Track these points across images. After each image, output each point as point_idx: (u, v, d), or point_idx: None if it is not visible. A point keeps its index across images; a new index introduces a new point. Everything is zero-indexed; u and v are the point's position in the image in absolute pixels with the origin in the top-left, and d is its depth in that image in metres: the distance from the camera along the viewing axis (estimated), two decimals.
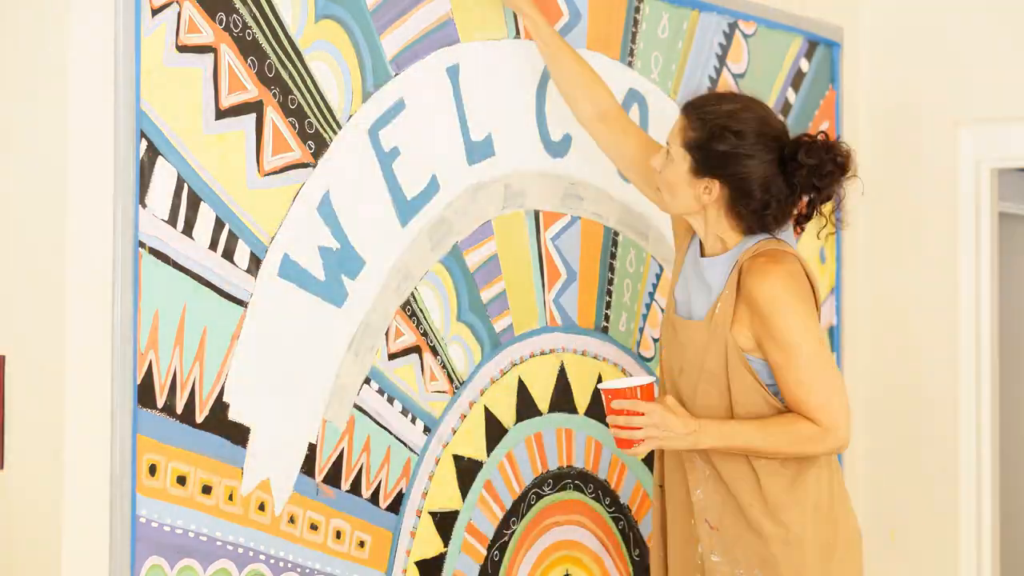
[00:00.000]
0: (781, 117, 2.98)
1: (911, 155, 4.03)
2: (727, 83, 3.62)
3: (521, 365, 3.15)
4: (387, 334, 2.89)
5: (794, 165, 2.77)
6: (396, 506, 2.90)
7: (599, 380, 3.30)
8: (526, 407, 3.16)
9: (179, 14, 2.54)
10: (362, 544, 2.85)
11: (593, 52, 3.28)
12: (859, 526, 2.91)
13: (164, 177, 2.53)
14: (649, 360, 3.43)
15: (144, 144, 2.50)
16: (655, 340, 3.44)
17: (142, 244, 2.50)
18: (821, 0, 3.94)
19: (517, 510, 3.14)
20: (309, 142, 2.74)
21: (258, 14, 2.65)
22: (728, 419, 2.79)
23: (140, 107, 2.49)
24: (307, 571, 2.75)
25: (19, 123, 2.52)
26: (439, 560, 2.98)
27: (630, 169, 3.09)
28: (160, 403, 2.52)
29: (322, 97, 2.76)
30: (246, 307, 2.64)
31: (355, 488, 2.83)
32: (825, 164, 2.78)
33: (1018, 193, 4.74)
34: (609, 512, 3.34)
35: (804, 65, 3.87)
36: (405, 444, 2.92)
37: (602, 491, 3.32)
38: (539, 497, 3.19)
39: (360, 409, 2.84)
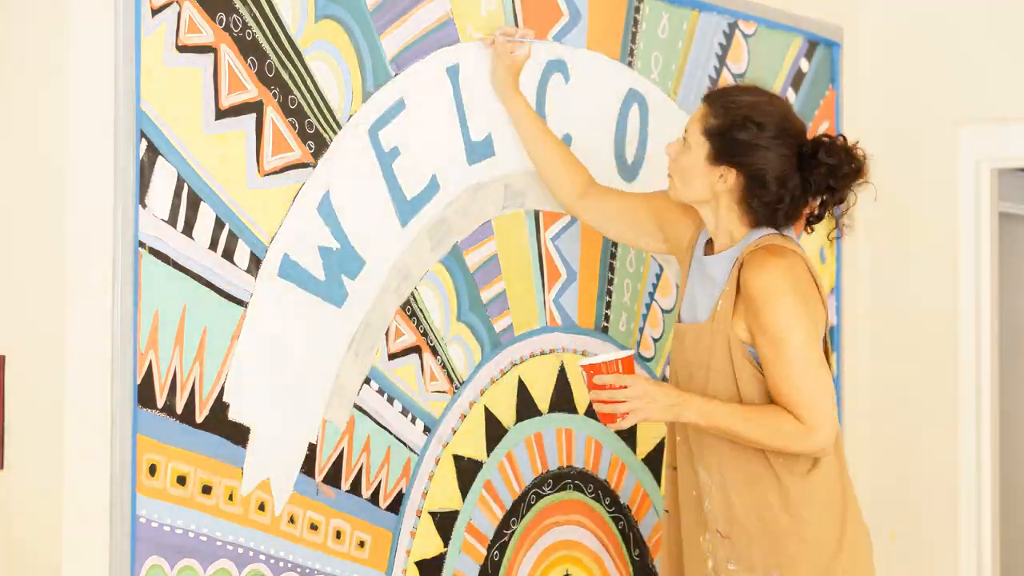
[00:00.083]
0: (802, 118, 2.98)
1: (911, 155, 4.03)
2: (727, 83, 3.62)
3: (521, 365, 3.15)
4: (387, 334, 2.89)
5: (813, 163, 2.78)
6: (396, 506, 2.90)
7: None
8: (526, 407, 3.16)
9: (179, 14, 2.54)
10: (362, 544, 2.85)
11: (593, 52, 3.28)
12: (867, 527, 2.91)
13: (164, 177, 2.53)
14: (649, 360, 3.43)
15: (144, 144, 2.50)
16: (655, 340, 3.44)
17: (142, 244, 2.50)
18: (821, 0, 3.94)
19: (517, 510, 3.14)
20: (309, 142, 2.74)
21: (258, 14, 2.65)
22: (713, 399, 2.78)
23: (140, 107, 2.49)
24: (307, 571, 2.75)
25: (19, 123, 2.52)
26: (439, 560, 2.98)
27: (620, 224, 3.09)
28: (160, 403, 2.52)
29: (322, 97, 2.76)
30: (246, 307, 2.64)
31: (355, 488, 2.83)
32: (843, 165, 2.79)
33: (1018, 193, 4.74)
34: (609, 512, 3.34)
35: (804, 65, 3.87)
36: (405, 444, 2.92)
37: (602, 491, 3.32)
38: (539, 497, 3.19)
39: (360, 409, 2.84)
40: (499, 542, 3.10)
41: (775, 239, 2.80)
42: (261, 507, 2.67)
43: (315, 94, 2.75)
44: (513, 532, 3.13)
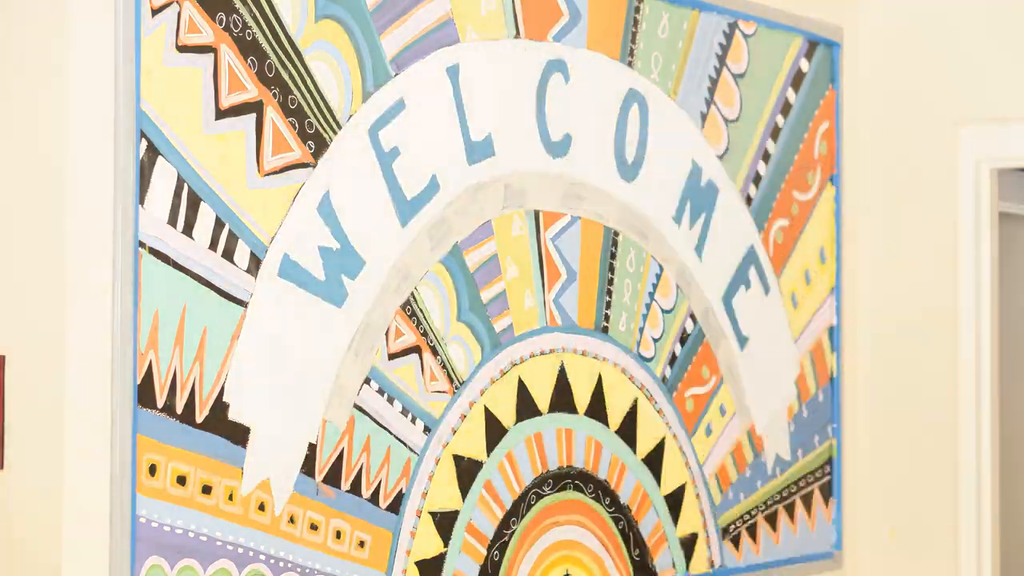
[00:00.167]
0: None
1: (911, 155, 4.03)
2: (727, 83, 3.62)
3: (521, 365, 3.15)
4: (387, 334, 2.89)
5: None
6: (396, 506, 2.90)
7: (599, 380, 3.31)
8: (526, 407, 3.16)
9: (179, 14, 2.54)
10: (362, 544, 2.85)
11: (593, 52, 3.29)
12: None
13: (164, 177, 2.53)
14: (649, 360, 3.43)
15: (144, 144, 2.50)
16: (655, 340, 3.44)
17: (142, 244, 2.50)
18: (821, 0, 3.94)
19: (517, 510, 3.14)
20: (309, 142, 2.74)
21: (258, 14, 2.65)
22: None
23: (140, 107, 2.49)
24: (307, 571, 2.75)
25: (19, 123, 2.52)
26: (439, 560, 2.98)
27: None
28: (160, 403, 2.52)
29: (322, 97, 2.76)
30: (246, 307, 2.64)
31: (355, 488, 2.83)
32: None
33: (1018, 193, 4.74)
34: (609, 512, 3.34)
35: (804, 65, 3.87)
36: (405, 444, 2.92)
37: (602, 491, 3.32)
38: (539, 497, 3.19)
39: (360, 409, 2.84)
40: (499, 542, 3.10)
41: None
42: (261, 507, 2.67)
43: (315, 94, 2.75)
44: (513, 532, 3.13)
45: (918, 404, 4.04)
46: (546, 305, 3.20)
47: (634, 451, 3.39)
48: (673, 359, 3.50)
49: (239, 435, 2.63)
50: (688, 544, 3.52)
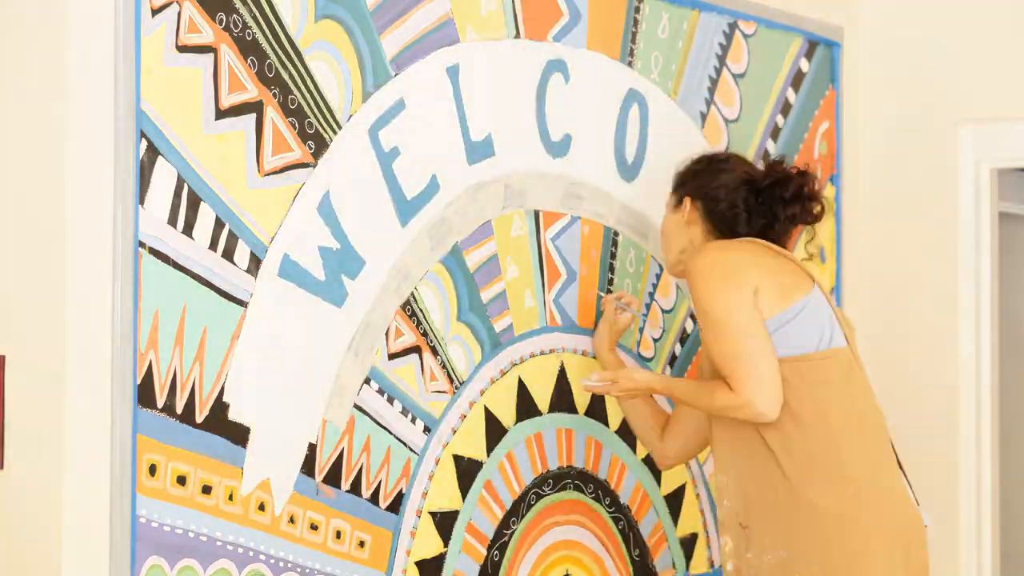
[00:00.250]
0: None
1: (911, 155, 4.03)
2: (727, 83, 3.62)
3: (521, 365, 3.15)
4: (387, 334, 2.88)
5: (760, 180, 3.03)
6: (396, 506, 2.90)
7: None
8: (526, 407, 3.16)
9: (179, 14, 2.54)
10: (362, 544, 2.85)
11: (593, 52, 3.29)
12: (910, 502, 2.95)
13: (164, 177, 2.53)
14: (649, 360, 3.43)
15: (144, 144, 2.50)
16: (655, 340, 3.44)
17: (142, 244, 2.50)
18: (821, 0, 3.94)
19: (517, 510, 3.14)
20: (309, 142, 2.74)
21: (258, 14, 2.65)
22: (677, 378, 3.13)
23: (140, 107, 2.49)
24: (307, 571, 2.75)
25: (19, 123, 2.52)
26: (439, 560, 2.98)
27: (699, 434, 3.21)
28: (160, 403, 2.52)
29: (322, 97, 2.76)
30: (246, 307, 2.64)
31: (355, 488, 2.83)
32: (790, 180, 3.02)
33: (1018, 193, 4.74)
34: (609, 512, 3.34)
35: (804, 65, 3.87)
36: (405, 444, 2.92)
37: (602, 491, 3.32)
38: (539, 497, 3.19)
39: (360, 409, 2.84)
40: (499, 542, 3.10)
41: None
42: (261, 507, 2.67)
43: (315, 94, 2.75)
44: (513, 532, 3.13)
45: (918, 404, 4.04)
46: (546, 305, 3.20)
47: (634, 451, 3.39)
48: (673, 359, 3.50)
49: (239, 435, 2.63)
50: (688, 544, 3.52)
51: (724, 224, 3.03)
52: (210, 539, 2.59)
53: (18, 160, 2.51)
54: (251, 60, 2.64)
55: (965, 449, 3.97)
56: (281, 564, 2.70)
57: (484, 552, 3.07)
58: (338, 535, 2.80)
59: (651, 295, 3.44)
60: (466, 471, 3.03)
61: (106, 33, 2.46)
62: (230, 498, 2.62)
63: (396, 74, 2.89)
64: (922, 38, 4.04)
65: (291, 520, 2.72)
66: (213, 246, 2.59)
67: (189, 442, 2.56)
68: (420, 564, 2.94)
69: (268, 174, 2.68)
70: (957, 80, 3.99)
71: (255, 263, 2.66)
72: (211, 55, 2.59)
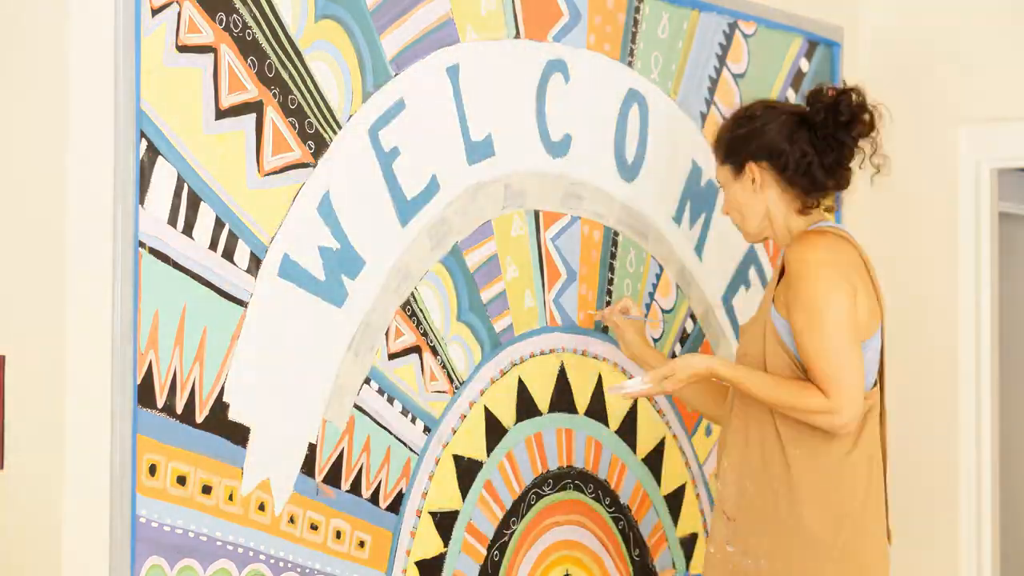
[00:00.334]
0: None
1: (911, 155, 4.03)
2: (727, 83, 3.62)
3: (521, 365, 3.15)
4: (387, 334, 2.88)
5: (811, 113, 2.91)
6: (396, 506, 2.90)
7: (599, 380, 3.30)
8: (526, 407, 3.16)
9: (179, 14, 2.54)
10: (362, 544, 2.85)
11: (593, 52, 3.29)
12: (886, 543, 2.90)
13: (164, 177, 2.53)
14: None
15: (144, 144, 2.50)
16: (655, 340, 3.44)
17: (142, 244, 2.50)
18: (821, 0, 3.94)
19: (517, 510, 3.14)
20: (309, 142, 2.74)
21: (258, 14, 2.65)
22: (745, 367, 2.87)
23: (140, 107, 2.49)
24: (307, 571, 2.75)
25: (19, 123, 2.52)
26: (439, 560, 2.98)
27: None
28: (160, 403, 2.52)
29: (322, 97, 2.76)
30: (246, 307, 2.64)
31: (355, 488, 2.83)
32: (839, 102, 2.91)
33: (1018, 193, 4.74)
34: (609, 512, 3.34)
35: (804, 65, 3.86)
36: (405, 444, 2.92)
37: (602, 491, 3.32)
38: (539, 497, 3.19)
39: (360, 409, 2.84)
40: (499, 542, 3.10)
41: (821, 227, 2.89)
42: (261, 507, 2.67)
43: (315, 94, 2.75)
44: (513, 532, 3.13)
45: (918, 404, 4.04)
46: (546, 305, 3.20)
47: (634, 451, 3.39)
48: (673, 359, 3.49)
49: (239, 435, 2.63)
50: (688, 544, 3.52)
51: (800, 174, 2.89)
52: (210, 539, 2.59)
53: (18, 160, 2.51)
54: (251, 60, 2.64)
55: (965, 449, 3.97)
56: (281, 564, 2.70)
57: (484, 552, 3.07)
58: (338, 535, 2.80)
59: (651, 295, 3.44)
60: (466, 471, 3.03)
61: (106, 33, 2.46)
62: (230, 498, 2.62)
63: (396, 74, 2.89)
64: (922, 38, 4.04)
65: (291, 520, 2.72)
66: (213, 246, 2.59)
67: (189, 442, 2.56)
68: (420, 564, 2.94)
69: (268, 174, 2.68)
70: (957, 80, 3.99)
71: (255, 263, 2.66)
72: (211, 55, 2.59)
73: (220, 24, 2.60)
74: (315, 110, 2.75)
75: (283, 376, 2.70)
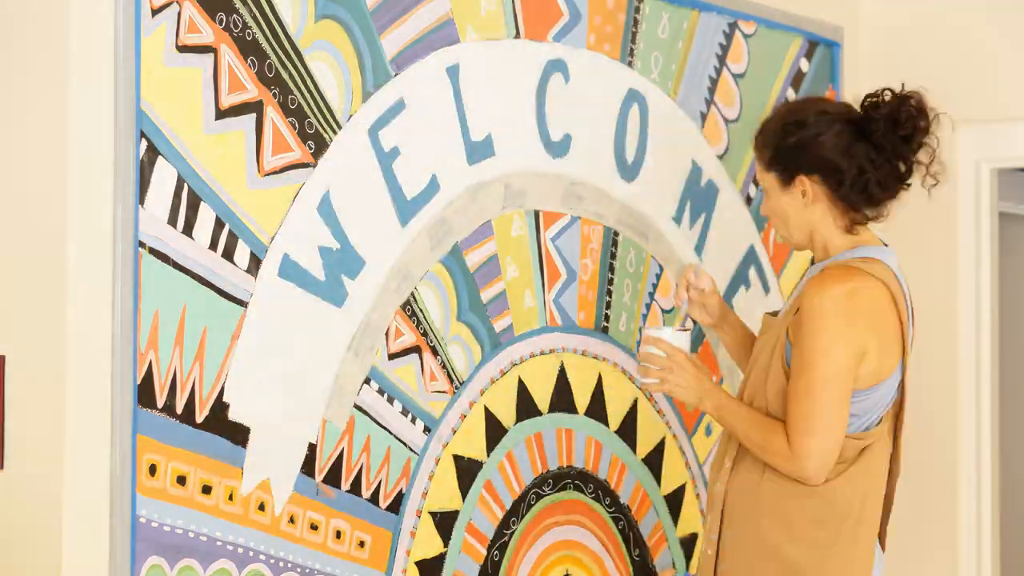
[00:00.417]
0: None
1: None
2: (727, 83, 3.62)
3: (521, 365, 3.15)
4: (387, 334, 2.88)
5: (871, 125, 2.74)
6: (396, 506, 2.90)
7: (599, 380, 3.31)
8: (526, 407, 3.16)
9: (179, 14, 2.54)
10: (362, 544, 2.85)
11: (593, 52, 3.29)
12: None
13: (164, 177, 2.53)
14: None
15: (144, 144, 2.50)
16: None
17: (142, 244, 2.50)
18: (821, 0, 3.94)
19: (517, 510, 3.14)
20: (309, 142, 2.74)
21: (258, 14, 2.65)
22: (735, 399, 2.78)
23: (140, 107, 2.49)
24: (307, 571, 2.75)
25: (19, 123, 2.52)
26: (439, 560, 2.98)
27: None
28: (160, 403, 2.52)
29: (322, 97, 2.76)
30: (246, 307, 2.64)
31: (355, 488, 2.83)
32: (899, 111, 2.75)
33: (1018, 193, 4.74)
34: (609, 512, 3.34)
35: (804, 65, 3.87)
36: (405, 444, 2.92)
37: (602, 491, 3.32)
38: (539, 497, 3.19)
39: (360, 409, 2.84)
40: (499, 542, 3.10)
41: (854, 262, 2.74)
42: (261, 507, 2.67)
43: (315, 94, 2.75)
44: (513, 532, 3.13)
45: (918, 404, 4.03)
46: (546, 305, 3.20)
47: (634, 451, 3.39)
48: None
49: (239, 435, 2.63)
50: (688, 544, 3.52)
51: (856, 191, 2.74)
52: (210, 539, 2.59)
53: (18, 160, 2.51)
54: (251, 60, 2.64)
55: (965, 449, 3.97)
56: (281, 564, 2.70)
57: (484, 552, 3.07)
58: (338, 535, 2.80)
59: (651, 295, 3.44)
60: (466, 471, 3.03)
61: (106, 33, 2.46)
62: (230, 498, 2.62)
63: (396, 74, 2.89)
64: (922, 38, 4.04)
65: (291, 520, 2.72)
66: (213, 246, 2.59)
67: (189, 442, 2.56)
68: (420, 564, 2.94)
69: (268, 174, 2.68)
70: (957, 80, 3.98)
71: (255, 263, 2.66)
72: (211, 55, 2.59)
73: (220, 24, 2.60)
74: (315, 110, 2.75)
75: (283, 376, 2.70)
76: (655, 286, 3.45)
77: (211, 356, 2.59)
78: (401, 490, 2.91)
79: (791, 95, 3.81)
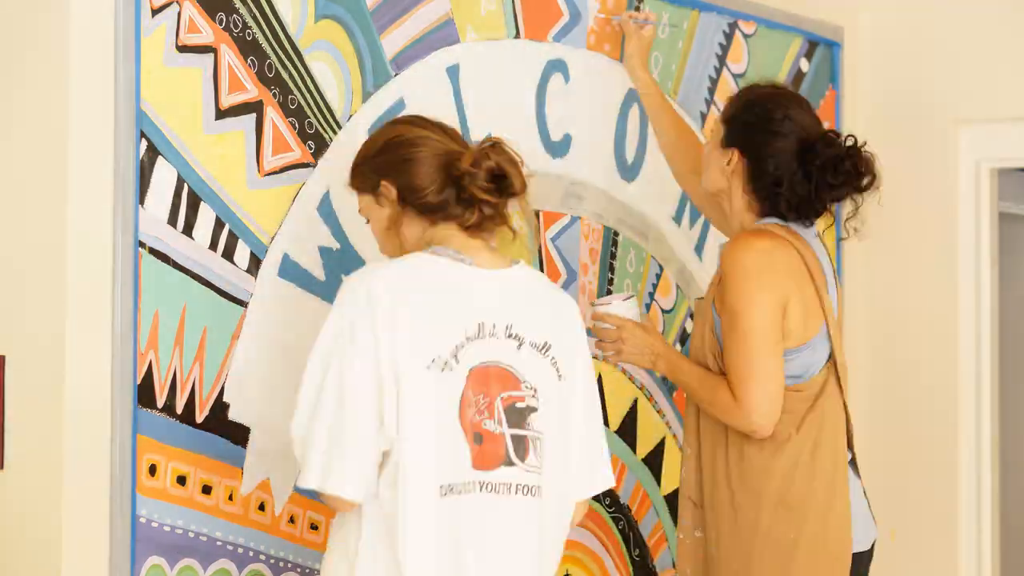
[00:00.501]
0: (826, 124, 3.00)
1: (911, 155, 4.03)
2: (727, 83, 3.62)
3: None
4: None
5: (811, 156, 2.82)
6: None
7: (600, 380, 3.30)
8: None
9: (179, 14, 2.54)
10: None
11: (593, 52, 3.28)
12: (847, 538, 2.82)
13: (164, 177, 2.53)
14: None
15: (144, 144, 2.50)
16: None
17: (142, 244, 2.50)
18: (821, 0, 3.94)
19: None
20: (309, 142, 2.74)
21: (258, 14, 2.65)
22: (687, 359, 2.88)
23: (140, 107, 2.49)
24: (307, 571, 2.74)
25: (19, 123, 2.52)
26: None
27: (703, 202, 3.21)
28: (160, 403, 2.52)
29: (322, 97, 2.76)
30: (246, 307, 2.64)
31: None
32: (843, 162, 2.82)
33: (1018, 193, 4.74)
34: (609, 512, 3.34)
35: (804, 65, 3.87)
36: None
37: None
38: None
39: None
40: None
41: (770, 227, 2.85)
42: (261, 507, 2.67)
43: (315, 94, 2.75)
44: None
45: (918, 404, 4.04)
46: None
47: (634, 451, 3.39)
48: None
49: (239, 435, 2.63)
50: None
51: (765, 187, 2.84)
52: (210, 539, 2.59)
53: (19, 160, 2.51)
54: (251, 60, 2.64)
55: (965, 449, 3.97)
56: (281, 564, 2.70)
57: None
58: None
59: (651, 295, 3.44)
60: None
61: (106, 33, 2.46)
62: (230, 498, 2.62)
63: (396, 74, 2.89)
64: (922, 38, 4.04)
65: (291, 520, 2.72)
66: (213, 246, 2.59)
67: (189, 442, 2.56)
68: None
69: (268, 174, 2.68)
70: (956, 80, 3.99)
71: (255, 263, 2.66)
72: (211, 55, 2.59)
73: (220, 24, 2.60)
74: (315, 110, 2.75)
75: (283, 376, 2.70)
76: (655, 286, 3.45)
77: (211, 356, 2.59)
78: None
79: None
